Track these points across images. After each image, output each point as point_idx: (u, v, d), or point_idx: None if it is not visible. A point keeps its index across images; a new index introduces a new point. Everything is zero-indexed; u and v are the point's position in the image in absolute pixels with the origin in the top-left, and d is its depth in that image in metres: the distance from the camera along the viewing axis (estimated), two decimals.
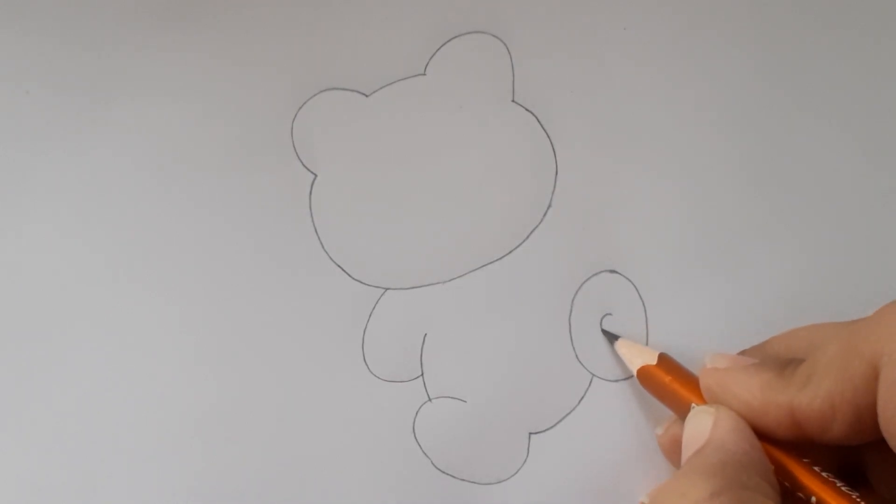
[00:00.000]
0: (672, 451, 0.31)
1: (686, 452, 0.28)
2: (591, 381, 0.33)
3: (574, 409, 0.33)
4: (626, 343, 0.32)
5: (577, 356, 0.33)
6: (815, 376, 0.27)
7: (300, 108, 0.33)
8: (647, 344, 0.33)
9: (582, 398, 0.33)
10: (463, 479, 0.32)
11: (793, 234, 0.33)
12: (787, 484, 0.27)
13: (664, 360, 0.31)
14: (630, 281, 0.33)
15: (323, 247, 0.32)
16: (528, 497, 0.32)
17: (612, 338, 0.33)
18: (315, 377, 0.32)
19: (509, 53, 0.33)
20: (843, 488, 0.26)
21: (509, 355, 0.33)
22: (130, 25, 0.32)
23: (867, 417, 0.26)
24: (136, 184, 0.32)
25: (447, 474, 0.32)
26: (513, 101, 0.33)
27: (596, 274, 0.33)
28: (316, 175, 0.33)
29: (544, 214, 0.33)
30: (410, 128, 0.33)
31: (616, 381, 0.33)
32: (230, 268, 0.32)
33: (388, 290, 0.33)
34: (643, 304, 0.33)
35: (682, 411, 0.30)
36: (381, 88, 0.33)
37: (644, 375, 0.31)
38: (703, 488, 0.25)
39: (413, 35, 0.33)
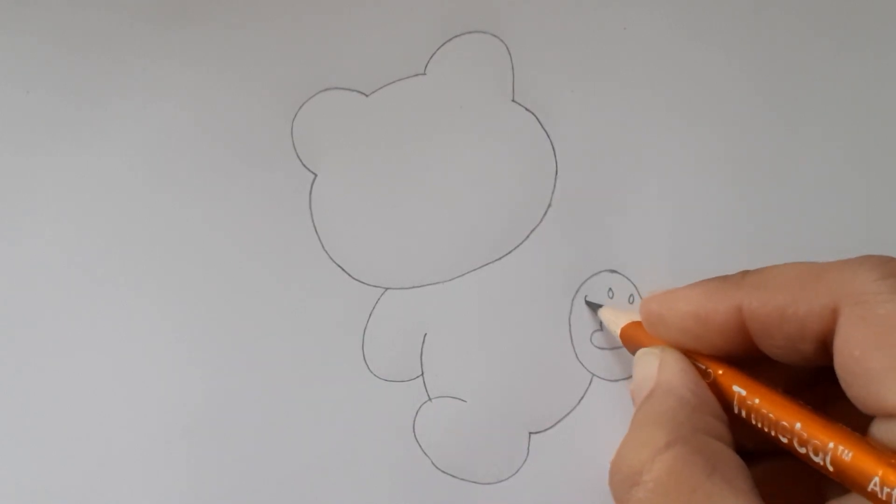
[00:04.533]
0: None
1: (637, 397, 0.28)
2: (591, 381, 0.33)
3: (574, 409, 0.33)
4: (609, 309, 0.32)
5: (577, 356, 0.33)
6: (769, 286, 0.27)
7: (300, 108, 0.33)
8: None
9: (582, 398, 0.33)
10: (463, 479, 0.32)
11: (793, 235, 0.33)
12: (752, 418, 0.27)
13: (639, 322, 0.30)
14: (630, 281, 0.33)
15: (323, 247, 0.32)
16: (528, 497, 0.32)
17: (595, 307, 0.33)
18: (315, 377, 0.32)
19: (509, 53, 0.33)
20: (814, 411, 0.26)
21: (509, 355, 0.33)
22: (130, 25, 0.32)
23: (809, 343, 0.26)
24: (136, 184, 0.32)
25: (447, 474, 0.32)
26: (513, 100, 0.33)
27: (596, 274, 0.33)
28: (316, 175, 0.33)
29: (544, 214, 0.33)
30: (410, 128, 0.33)
31: (616, 380, 0.33)
32: (230, 267, 0.32)
33: (388, 290, 0.33)
34: None
35: None
36: (381, 88, 0.33)
37: (626, 337, 0.31)
38: (658, 438, 0.25)
39: (413, 35, 0.33)
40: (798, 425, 0.25)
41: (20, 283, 0.32)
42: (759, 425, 0.27)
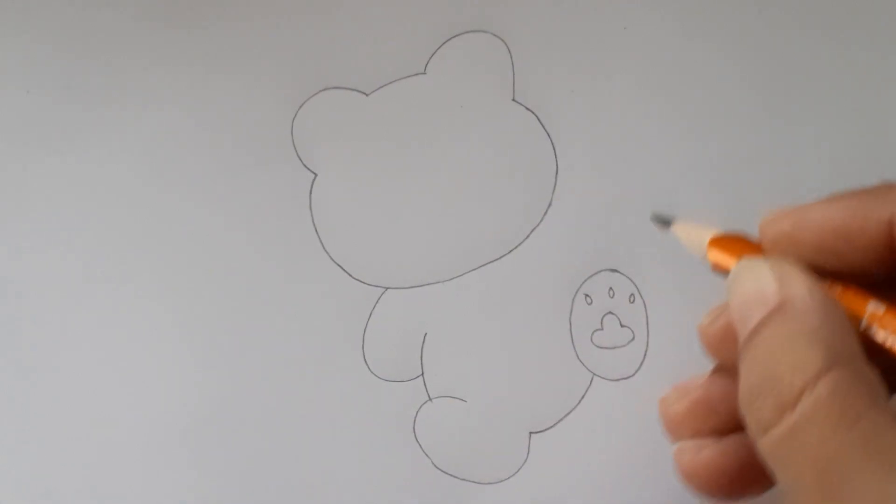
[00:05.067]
0: (720, 343, 0.28)
1: (749, 316, 0.24)
2: (591, 381, 0.33)
3: (574, 409, 0.33)
4: (685, 225, 0.28)
5: (577, 356, 0.33)
6: None
7: (300, 107, 0.33)
8: (647, 345, 0.33)
9: (582, 398, 0.33)
10: (463, 479, 0.32)
11: None
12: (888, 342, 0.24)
13: (733, 237, 0.27)
14: (630, 280, 0.33)
15: (323, 246, 0.32)
16: (528, 497, 0.32)
17: (664, 221, 0.29)
18: (315, 377, 0.32)
19: (509, 53, 0.33)
20: None
21: (509, 355, 0.33)
22: (130, 26, 0.32)
23: None
24: (136, 184, 0.32)
25: (447, 474, 0.32)
26: (513, 100, 0.33)
27: (596, 273, 0.33)
28: (316, 175, 0.33)
29: (544, 214, 0.33)
30: (410, 127, 0.33)
31: (616, 380, 0.33)
32: (230, 267, 0.32)
33: (388, 290, 0.33)
34: (643, 304, 0.33)
35: None
36: (381, 88, 0.33)
37: (718, 251, 0.27)
38: (816, 358, 0.23)
39: (413, 34, 0.33)
40: None
41: (20, 284, 0.32)
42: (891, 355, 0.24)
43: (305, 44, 0.33)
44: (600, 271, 0.33)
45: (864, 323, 0.24)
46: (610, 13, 0.33)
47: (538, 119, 0.33)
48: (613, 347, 0.33)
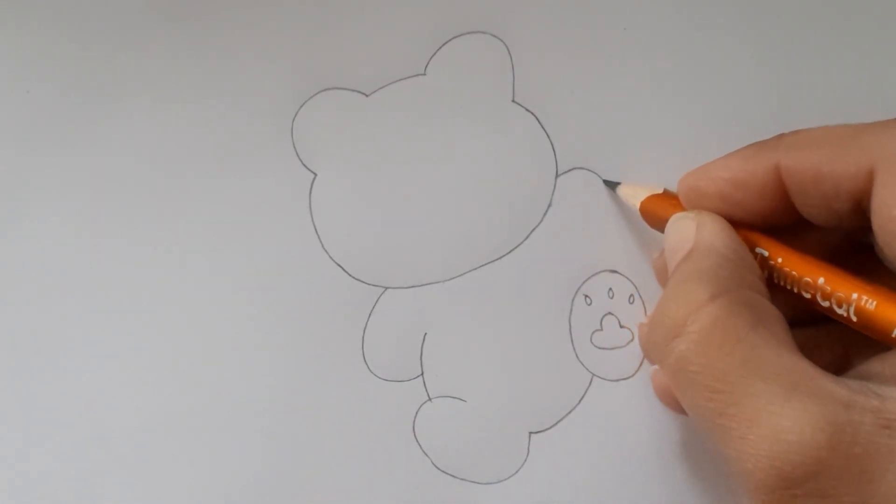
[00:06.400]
0: (661, 276, 0.31)
1: (672, 260, 0.28)
2: (591, 381, 0.33)
3: (574, 409, 0.33)
4: (628, 185, 0.32)
5: (577, 356, 0.33)
6: (806, 146, 0.27)
7: (300, 108, 0.33)
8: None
9: (582, 398, 0.33)
10: (463, 479, 0.32)
11: None
12: (777, 278, 0.28)
13: (668, 193, 0.31)
14: (630, 281, 0.33)
15: (323, 246, 0.32)
16: (528, 497, 0.32)
17: (612, 185, 0.32)
18: (315, 376, 0.32)
19: (509, 53, 0.33)
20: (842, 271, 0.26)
21: (509, 355, 0.33)
22: (131, 25, 0.32)
23: (845, 203, 0.26)
24: (136, 183, 0.32)
25: (447, 474, 0.32)
26: (513, 101, 0.33)
27: (596, 274, 0.33)
28: (316, 175, 0.33)
29: (544, 214, 0.33)
30: (410, 128, 0.33)
31: (616, 380, 0.33)
32: (230, 267, 0.32)
33: (387, 290, 0.33)
34: (643, 305, 0.33)
35: None
36: (381, 88, 0.33)
37: (647, 209, 0.31)
38: (701, 292, 0.26)
39: (413, 35, 0.33)
40: (821, 280, 0.26)
41: (20, 284, 0.32)
42: (784, 284, 0.27)
43: (305, 44, 0.33)
44: (600, 272, 0.33)
45: (769, 268, 0.27)
46: (610, 13, 0.33)
47: (538, 120, 0.33)
48: (613, 348, 0.33)
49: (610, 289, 0.33)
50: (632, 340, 0.33)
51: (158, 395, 0.32)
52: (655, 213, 0.31)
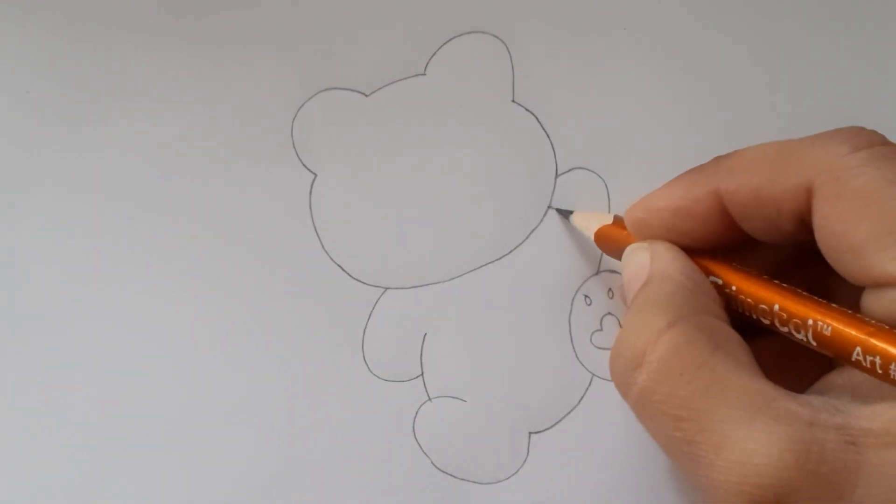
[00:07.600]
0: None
1: (630, 291, 0.28)
2: (591, 381, 0.33)
3: (574, 409, 0.33)
4: (581, 214, 0.32)
5: (577, 356, 0.33)
6: (743, 169, 0.27)
7: (300, 108, 0.33)
8: None
9: (582, 398, 0.33)
10: (463, 479, 0.32)
11: None
12: (734, 304, 0.28)
13: (619, 221, 0.31)
14: None
15: (323, 247, 0.33)
16: (528, 497, 0.32)
17: (566, 214, 0.33)
18: (315, 377, 0.32)
19: (509, 53, 0.33)
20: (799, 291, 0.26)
21: (509, 355, 0.33)
22: (131, 25, 0.32)
23: (788, 223, 0.26)
24: (136, 183, 0.32)
25: (447, 474, 0.32)
26: (513, 101, 0.33)
27: (596, 274, 0.33)
28: (316, 175, 0.33)
29: (544, 214, 0.33)
30: (410, 128, 0.33)
31: None
32: (230, 267, 0.32)
33: (387, 290, 0.33)
34: None
35: None
36: (381, 88, 0.33)
37: (601, 238, 0.31)
38: (659, 320, 0.26)
39: (413, 35, 0.33)
40: (776, 306, 0.26)
41: (20, 283, 0.32)
42: (741, 310, 0.27)
43: (305, 44, 0.33)
44: (600, 272, 0.33)
45: (724, 296, 0.27)
46: (610, 13, 0.33)
47: (538, 120, 0.33)
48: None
49: (610, 289, 0.33)
50: None
51: (158, 395, 0.32)
52: (609, 243, 0.31)
